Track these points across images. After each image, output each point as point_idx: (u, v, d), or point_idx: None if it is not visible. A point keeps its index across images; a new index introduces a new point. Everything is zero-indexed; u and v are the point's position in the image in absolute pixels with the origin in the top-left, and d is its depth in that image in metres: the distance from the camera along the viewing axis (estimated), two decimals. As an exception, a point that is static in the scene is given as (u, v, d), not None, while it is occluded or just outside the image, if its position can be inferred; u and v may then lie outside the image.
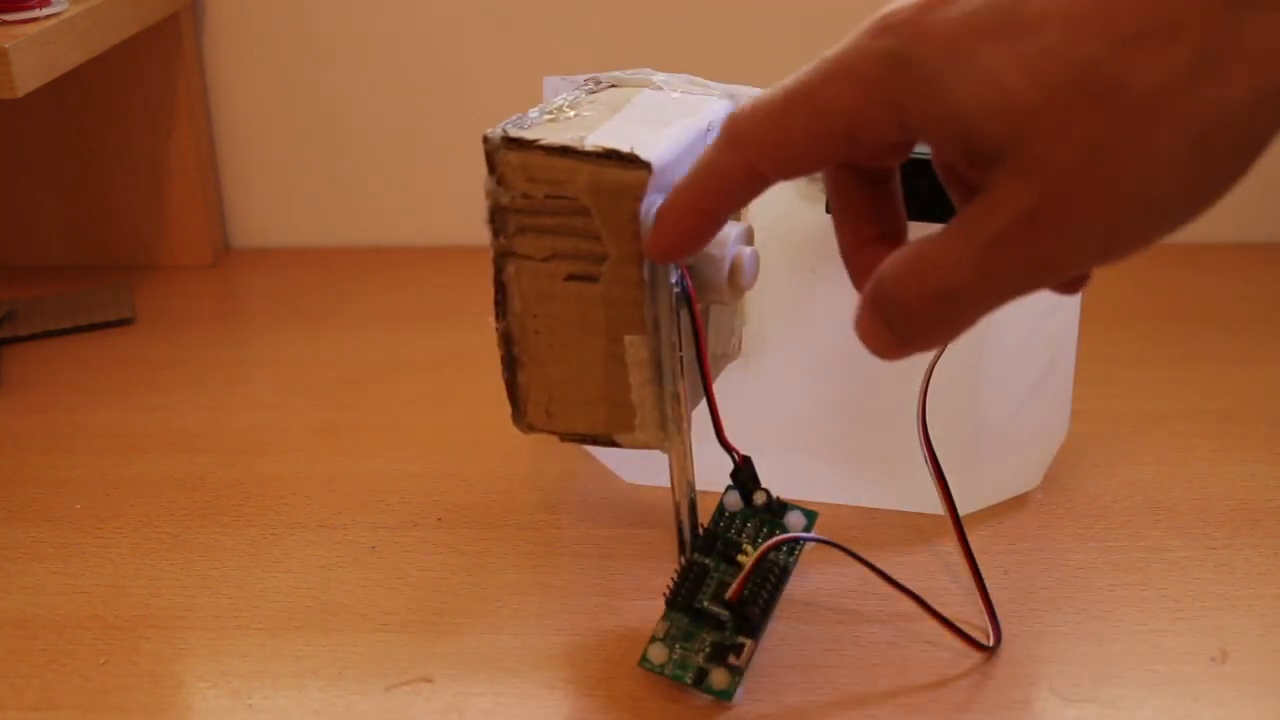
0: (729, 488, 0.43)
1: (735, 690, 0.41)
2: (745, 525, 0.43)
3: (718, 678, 0.41)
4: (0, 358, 0.67)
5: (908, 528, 0.50)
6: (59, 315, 0.71)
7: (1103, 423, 0.58)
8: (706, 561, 0.42)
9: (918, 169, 0.44)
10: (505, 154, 0.39)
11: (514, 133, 0.39)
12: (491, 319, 0.42)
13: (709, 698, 0.41)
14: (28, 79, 0.58)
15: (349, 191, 0.81)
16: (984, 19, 0.31)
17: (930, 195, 0.44)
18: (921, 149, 0.44)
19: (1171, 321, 0.68)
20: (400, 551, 0.50)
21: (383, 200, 0.81)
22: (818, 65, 0.34)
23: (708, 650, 0.41)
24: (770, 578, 0.42)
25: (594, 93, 0.44)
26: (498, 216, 0.40)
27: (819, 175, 0.45)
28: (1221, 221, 0.79)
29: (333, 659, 0.44)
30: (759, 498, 0.43)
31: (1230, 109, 0.29)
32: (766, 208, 0.46)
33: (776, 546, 0.42)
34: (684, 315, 0.41)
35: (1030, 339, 0.49)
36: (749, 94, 0.45)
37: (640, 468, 0.53)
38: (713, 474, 0.45)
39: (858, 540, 0.49)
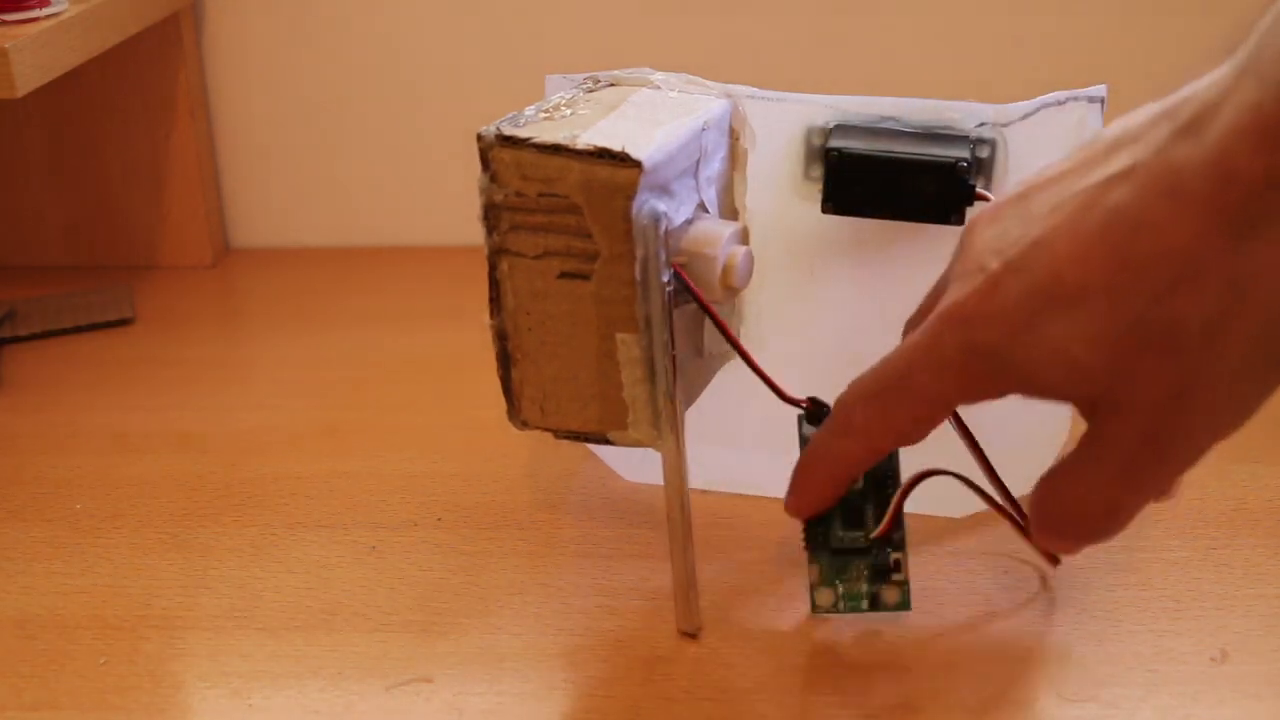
0: (802, 419, 0.44)
1: (909, 600, 0.44)
2: None
3: (890, 595, 0.44)
4: (0, 358, 0.67)
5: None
6: (59, 315, 0.71)
7: (1103, 423, 0.57)
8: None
9: (922, 169, 0.44)
10: (498, 151, 0.39)
11: (507, 130, 0.39)
12: (486, 316, 0.42)
13: (718, 694, 0.41)
14: (28, 79, 0.58)
15: (349, 191, 0.81)
16: (1035, 301, 0.35)
17: (937, 196, 0.44)
18: (926, 153, 0.44)
19: (1171, 321, 0.68)
20: (400, 551, 0.50)
21: (383, 200, 0.81)
22: (902, 356, 0.39)
23: (867, 574, 0.44)
24: (888, 489, 0.44)
25: (592, 91, 0.44)
26: (491, 214, 0.40)
27: (815, 173, 0.46)
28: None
29: (333, 659, 0.44)
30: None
31: (1267, 312, 0.34)
32: (764, 207, 0.46)
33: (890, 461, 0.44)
34: (681, 312, 0.41)
35: None
36: (746, 93, 0.45)
37: (641, 467, 0.53)
38: (709, 473, 0.45)
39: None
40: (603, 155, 0.38)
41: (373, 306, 0.73)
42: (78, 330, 0.70)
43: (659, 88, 0.44)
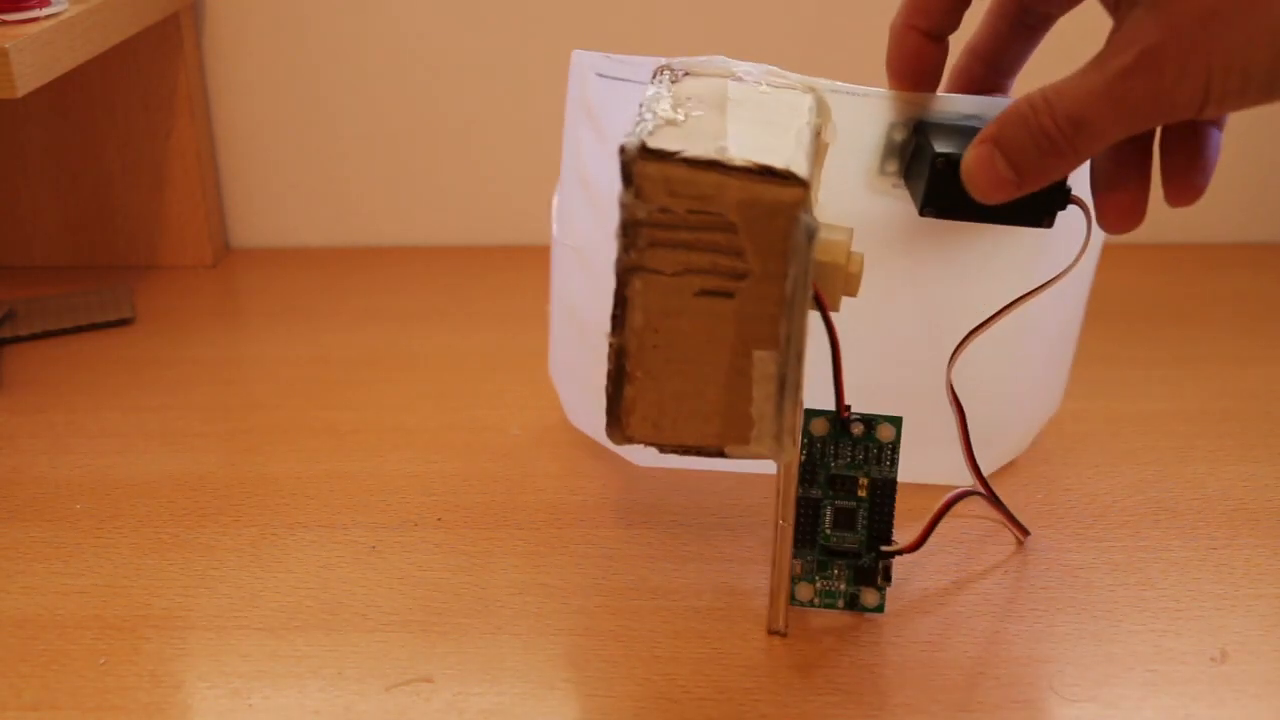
0: (812, 414, 0.45)
1: (884, 604, 0.45)
2: (838, 450, 0.45)
3: (869, 598, 0.45)
4: (0, 358, 0.67)
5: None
6: (59, 315, 0.71)
7: (1103, 423, 0.58)
8: (815, 493, 0.45)
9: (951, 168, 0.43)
10: (644, 165, 0.37)
11: (654, 143, 0.37)
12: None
13: (718, 694, 0.41)
14: (28, 79, 0.58)
15: (349, 191, 0.81)
16: None
17: (1036, 201, 0.43)
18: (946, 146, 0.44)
19: (1171, 321, 0.68)
20: (400, 551, 0.50)
21: (382, 200, 0.81)
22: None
23: (849, 575, 0.45)
24: (888, 497, 0.45)
25: (676, 83, 0.42)
26: (630, 230, 0.38)
27: (891, 168, 0.46)
28: (1221, 221, 0.79)
29: (333, 659, 0.44)
30: (856, 429, 0.45)
31: None
32: (834, 198, 0.46)
33: (882, 462, 0.45)
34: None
35: (1041, 315, 0.50)
36: (829, 87, 0.44)
37: (649, 453, 0.52)
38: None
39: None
40: (764, 173, 0.36)
41: (372, 306, 0.73)
42: (78, 330, 0.70)
43: (742, 79, 0.42)
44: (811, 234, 0.37)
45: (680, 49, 0.49)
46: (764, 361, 0.39)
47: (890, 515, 0.45)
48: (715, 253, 0.38)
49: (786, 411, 0.40)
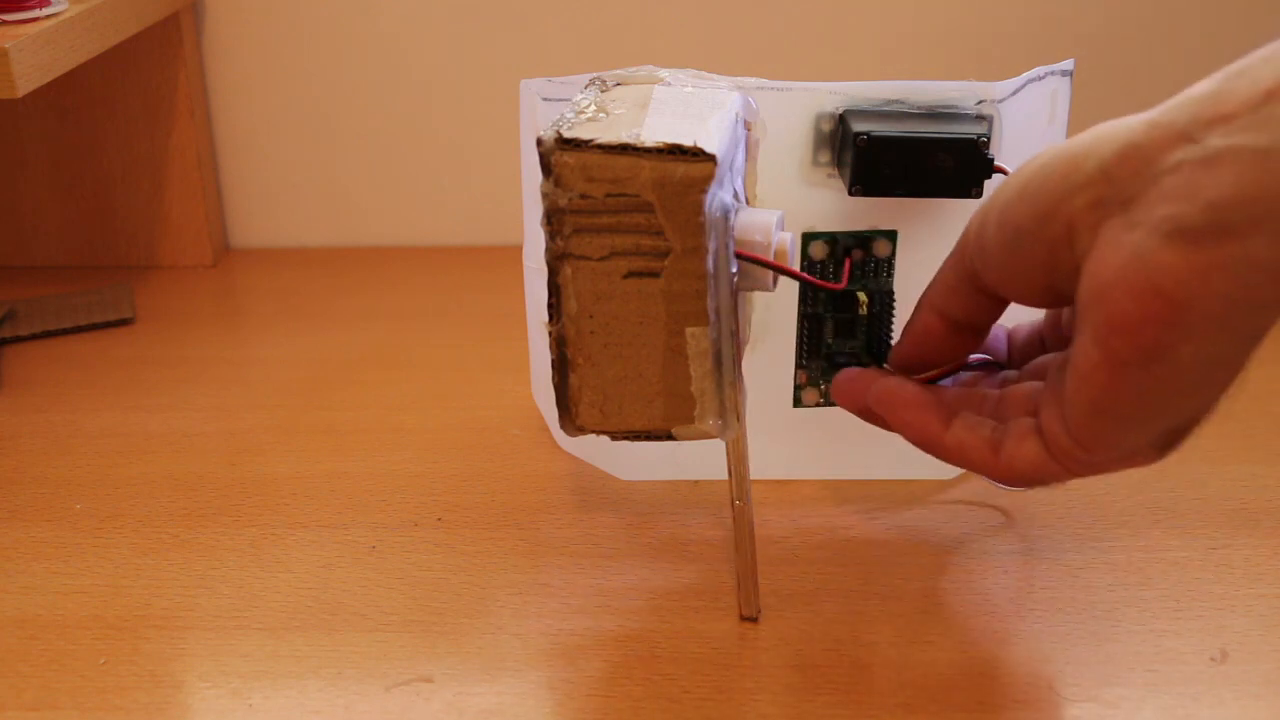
0: (810, 237, 0.46)
1: None
2: (837, 272, 0.47)
3: None
4: (0, 358, 0.67)
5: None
6: (59, 315, 0.71)
7: (1103, 423, 0.58)
8: (818, 309, 0.47)
9: (946, 147, 0.44)
10: (561, 155, 0.39)
11: (569, 133, 0.39)
12: (544, 321, 0.41)
13: (718, 694, 0.41)
14: (28, 79, 0.58)
15: (349, 191, 0.81)
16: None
17: (959, 172, 0.44)
18: (946, 131, 0.45)
19: (1171, 321, 0.68)
20: (400, 551, 0.50)
21: (383, 200, 0.81)
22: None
23: None
24: (887, 309, 0.47)
25: (605, 91, 0.43)
26: (554, 219, 0.39)
27: (824, 158, 0.47)
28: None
29: (333, 659, 0.44)
30: (856, 254, 0.47)
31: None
32: (772, 192, 0.47)
33: (880, 274, 0.46)
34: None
35: None
36: (755, 84, 0.46)
37: (636, 465, 0.53)
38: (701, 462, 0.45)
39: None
40: (674, 152, 0.38)
41: (372, 306, 0.73)
42: (78, 330, 0.70)
43: (669, 84, 0.44)
44: (726, 208, 0.39)
45: (669, 60, 0.50)
46: (697, 338, 0.40)
47: (889, 327, 0.46)
48: (637, 234, 0.39)
49: (726, 387, 0.41)
